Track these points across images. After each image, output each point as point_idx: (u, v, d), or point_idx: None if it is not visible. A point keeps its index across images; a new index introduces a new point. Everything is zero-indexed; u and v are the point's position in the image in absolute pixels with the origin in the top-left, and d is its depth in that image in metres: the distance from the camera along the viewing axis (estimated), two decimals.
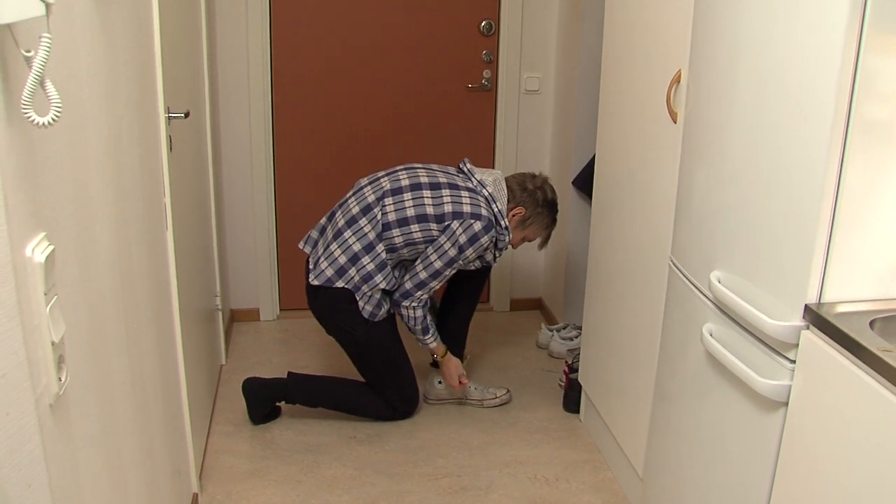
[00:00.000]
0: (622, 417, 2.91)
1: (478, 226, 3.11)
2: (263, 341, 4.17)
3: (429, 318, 3.29)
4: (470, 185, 3.21)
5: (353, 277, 3.13)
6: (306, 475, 3.03)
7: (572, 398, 3.49)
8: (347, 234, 3.15)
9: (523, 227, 3.37)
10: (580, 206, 3.97)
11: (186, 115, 2.64)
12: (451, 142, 4.31)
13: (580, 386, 3.40)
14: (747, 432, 1.89)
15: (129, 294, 1.90)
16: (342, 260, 3.14)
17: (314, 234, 3.35)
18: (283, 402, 3.40)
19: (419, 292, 3.18)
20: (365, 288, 3.15)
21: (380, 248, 3.12)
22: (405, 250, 3.16)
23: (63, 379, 1.31)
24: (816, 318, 1.64)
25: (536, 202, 3.34)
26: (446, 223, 3.11)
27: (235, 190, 4.20)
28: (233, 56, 4.03)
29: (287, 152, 4.22)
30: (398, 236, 3.11)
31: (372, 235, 3.12)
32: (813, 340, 1.65)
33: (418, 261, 3.17)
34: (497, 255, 3.35)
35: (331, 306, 3.23)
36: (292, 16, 4.05)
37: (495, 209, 3.19)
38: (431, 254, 3.13)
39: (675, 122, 2.37)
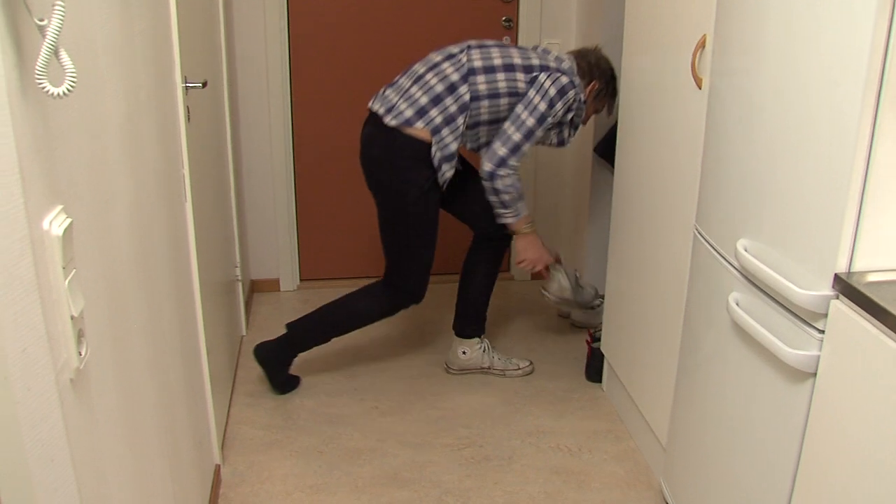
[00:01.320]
0: (645, 387, 2.89)
1: (565, 79, 3.01)
2: (284, 312, 4.17)
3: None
4: (549, 59, 3.10)
5: (433, 119, 2.97)
6: (327, 446, 3.03)
7: (594, 367, 3.47)
8: (429, 76, 3.02)
9: (596, 101, 3.30)
10: (602, 173, 3.93)
11: (204, 84, 2.62)
12: None
13: (602, 355, 3.38)
14: (774, 403, 1.86)
15: (148, 266, 1.88)
16: (423, 101, 2.98)
17: (387, 90, 3.15)
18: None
19: (513, 157, 3.03)
20: (445, 132, 2.99)
21: (463, 89, 2.99)
22: (486, 103, 3.01)
23: (83, 353, 1.30)
24: (846, 288, 1.60)
25: (606, 74, 3.27)
26: (534, 74, 3.00)
27: (254, 160, 4.18)
28: (250, 23, 4.00)
29: (305, 121, 4.19)
30: (482, 84, 2.99)
31: (455, 77, 2.99)
32: (842, 310, 1.62)
33: (507, 123, 3.02)
34: (572, 132, 3.23)
35: (397, 153, 3.04)
36: None
37: (577, 81, 3.09)
38: (521, 112, 3.00)
39: (700, 88, 2.33)
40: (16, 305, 1.07)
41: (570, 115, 3.12)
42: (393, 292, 3.26)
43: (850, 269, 1.63)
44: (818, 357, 1.70)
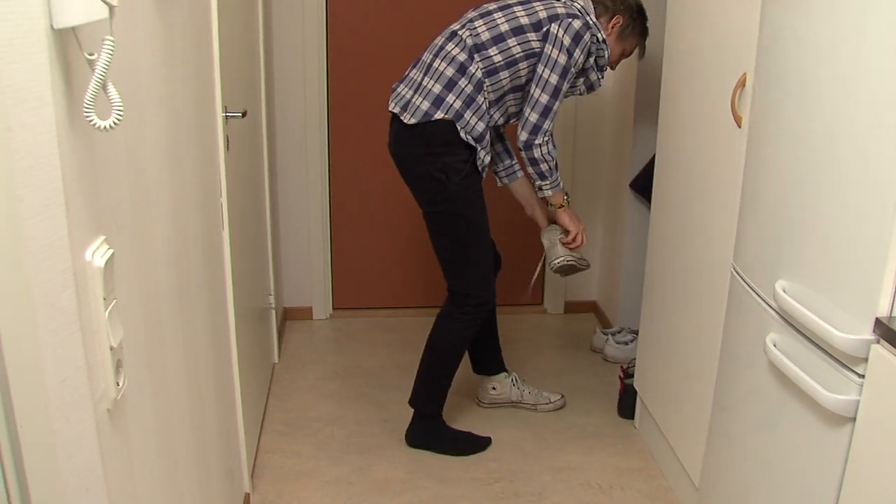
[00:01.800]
0: (679, 425, 2.86)
1: (577, 23, 2.83)
2: (316, 340, 4.18)
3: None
4: (556, 4, 2.92)
5: (452, 104, 2.84)
6: (357, 476, 3.02)
7: (627, 404, 3.44)
8: (437, 63, 2.90)
9: (622, 39, 3.08)
10: (638, 208, 3.92)
11: (243, 114, 2.64)
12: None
13: (635, 391, 3.36)
14: (812, 448, 1.83)
15: (185, 296, 1.89)
16: (437, 89, 2.86)
17: (398, 86, 3.03)
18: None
19: (546, 121, 2.87)
20: (468, 114, 2.86)
21: (472, 67, 2.85)
22: (505, 73, 2.87)
23: (121, 384, 1.30)
24: (887, 332, 1.58)
25: (631, 8, 3.07)
26: (545, 29, 2.84)
27: (290, 189, 4.21)
28: (289, 56, 4.03)
29: (342, 152, 4.22)
30: (496, 55, 2.85)
31: (462, 56, 2.86)
32: (883, 355, 1.59)
33: (532, 86, 2.87)
34: (600, 76, 3.05)
35: (428, 143, 2.90)
36: (348, 15, 4.04)
37: (591, 21, 2.91)
38: (542, 70, 2.84)
39: (740, 127, 2.32)
40: (57, 336, 1.08)
41: (591, 59, 2.96)
42: (461, 306, 3.10)
43: (891, 313, 1.61)
44: (857, 402, 1.67)
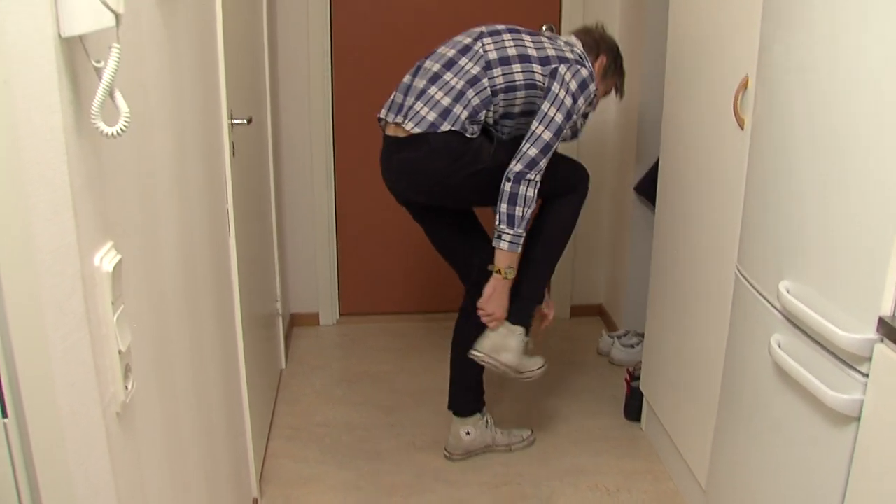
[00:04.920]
0: (685, 427, 2.87)
1: (584, 72, 2.78)
2: (323, 346, 4.19)
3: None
4: (561, 43, 2.89)
5: (459, 116, 2.73)
6: (365, 481, 3.03)
7: (633, 406, 3.45)
8: (447, 75, 2.79)
9: (604, 79, 3.02)
10: (642, 211, 3.93)
11: (249, 121, 2.66)
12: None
13: (642, 394, 3.36)
14: (817, 447, 1.84)
15: (192, 301, 1.91)
16: (446, 101, 2.74)
17: (398, 96, 2.90)
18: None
19: (542, 160, 2.71)
20: (474, 127, 2.77)
21: (485, 81, 2.76)
22: (502, 97, 2.78)
23: (129, 388, 1.32)
24: (890, 331, 1.59)
25: (613, 48, 3.03)
26: (553, 66, 2.77)
27: (295, 195, 4.22)
28: (294, 62, 4.05)
29: (347, 157, 4.23)
30: (499, 76, 2.77)
31: (476, 70, 2.77)
32: (887, 354, 1.60)
33: (535, 122, 2.73)
34: (584, 122, 2.98)
35: (441, 152, 2.77)
36: (352, 23, 4.06)
37: (592, 71, 2.85)
38: (548, 108, 2.73)
39: (742, 129, 2.33)
40: (66, 340, 1.09)
41: (587, 108, 2.91)
42: (579, 188, 3.00)
43: (894, 312, 1.62)
44: (862, 401, 1.68)
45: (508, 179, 2.71)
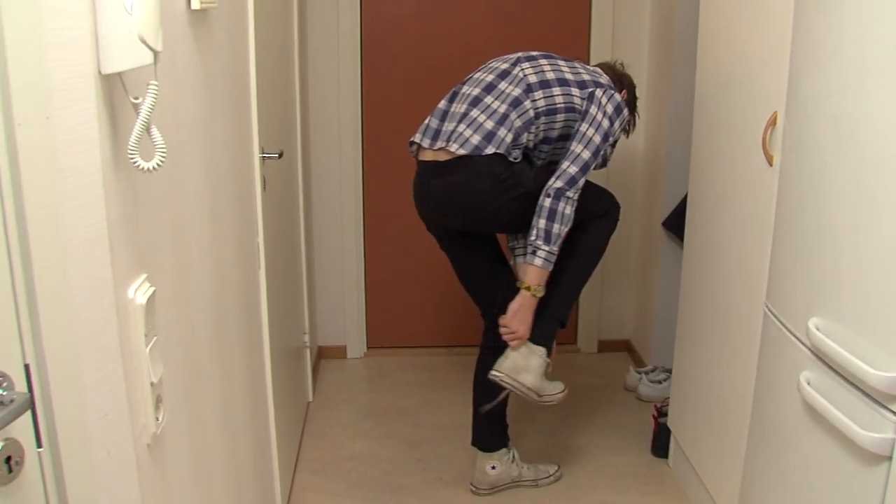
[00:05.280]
0: (713, 464, 2.84)
1: (618, 97, 2.86)
2: (350, 379, 4.19)
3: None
4: (596, 75, 2.94)
5: (503, 139, 2.73)
6: None
7: (661, 443, 3.43)
8: (488, 99, 2.80)
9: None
10: (671, 247, 3.92)
11: (280, 155, 2.69)
12: None
13: (669, 430, 3.34)
14: (848, 487, 1.82)
15: (222, 333, 1.92)
16: (489, 125, 2.75)
17: (433, 122, 2.90)
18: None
19: (581, 178, 2.75)
20: (516, 152, 2.78)
21: (527, 104, 2.78)
22: (543, 120, 2.80)
23: (160, 419, 1.33)
24: None
25: (632, 84, 3.14)
26: (590, 90, 2.82)
27: (325, 228, 4.25)
28: (324, 97, 4.09)
29: (376, 192, 4.26)
30: (540, 99, 2.79)
31: (517, 92, 2.79)
32: None
33: (573, 142, 2.78)
34: (612, 151, 3.04)
35: (485, 175, 2.75)
36: (383, 58, 4.10)
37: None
38: (587, 129, 2.78)
39: (771, 165, 2.33)
40: (99, 372, 1.11)
41: (619, 133, 2.95)
42: (606, 213, 3.02)
43: None
44: (894, 440, 1.66)
45: (549, 196, 2.73)
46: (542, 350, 2.91)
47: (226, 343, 1.96)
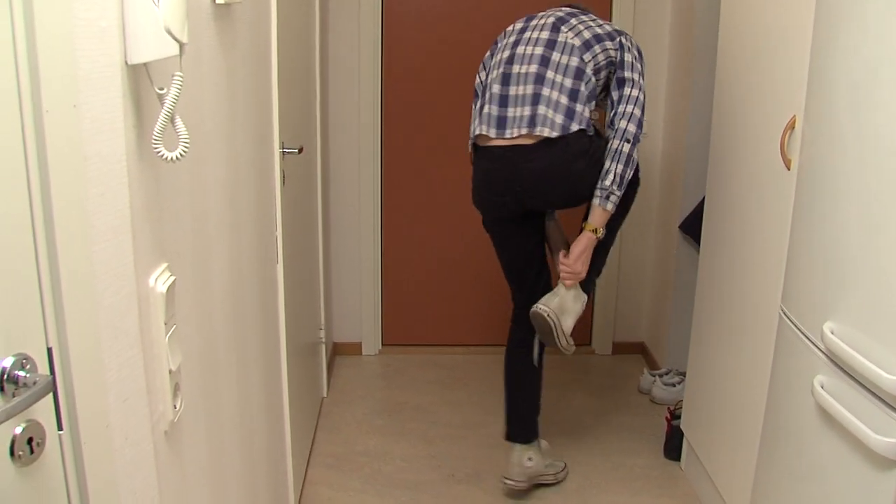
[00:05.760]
0: (725, 467, 2.84)
1: (635, 42, 2.90)
2: (365, 375, 4.21)
3: None
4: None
5: (581, 114, 2.75)
6: None
7: (674, 445, 3.43)
8: (549, 73, 2.78)
9: None
10: (687, 250, 3.92)
11: (300, 150, 2.70)
12: None
13: (682, 433, 3.34)
14: (860, 490, 1.82)
15: (239, 325, 1.94)
16: (565, 101, 2.75)
17: (494, 109, 2.83)
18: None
19: (643, 118, 2.82)
20: (590, 127, 2.80)
21: (588, 71, 2.79)
22: (594, 80, 2.82)
23: (178, 407, 1.35)
24: None
25: None
26: (618, 39, 2.84)
27: (342, 225, 4.27)
28: (344, 94, 4.11)
29: (393, 189, 4.27)
30: (590, 62, 2.80)
31: (575, 62, 2.78)
32: None
33: (626, 88, 2.81)
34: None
35: (578, 153, 2.77)
36: (403, 55, 4.12)
37: None
38: (630, 73, 2.81)
39: (789, 169, 2.33)
40: (120, 357, 1.13)
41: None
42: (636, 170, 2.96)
43: None
44: None
45: (628, 141, 2.77)
46: (585, 297, 2.95)
47: (243, 335, 1.98)
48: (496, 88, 2.85)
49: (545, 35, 2.85)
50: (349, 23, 4.05)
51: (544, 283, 3.07)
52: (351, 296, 4.38)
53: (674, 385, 3.92)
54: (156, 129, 1.12)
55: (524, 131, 2.76)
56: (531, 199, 2.89)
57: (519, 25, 2.95)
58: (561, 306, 2.88)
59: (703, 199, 3.22)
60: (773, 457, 2.32)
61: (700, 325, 3.17)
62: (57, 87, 0.94)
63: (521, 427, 3.16)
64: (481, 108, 2.88)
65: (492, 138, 2.83)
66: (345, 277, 4.35)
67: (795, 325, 2.17)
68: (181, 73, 1.13)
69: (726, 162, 2.90)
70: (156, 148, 1.13)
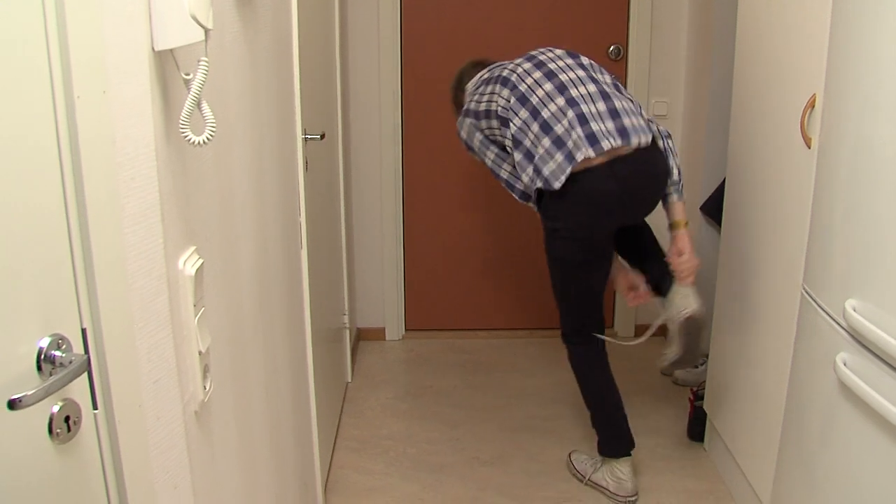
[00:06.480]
0: (748, 447, 2.85)
1: None
2: (388, 361, 4.24)
3: None
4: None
5: (650, 120, 2.84)
6: (428, 493, 3.06)
7: (697, 426, 3.44)
8: (606, 88, 2.81)
9: None
10: (708, 231, 3.92)
11: (322, 136, 2.72)
12: None
13: (705, 414, 3.35)
14: (884, 468, 1.83)
15: (266, 309, 1.96)
16: (636, 108, 2.82)
17: (580, 130, 2.67)
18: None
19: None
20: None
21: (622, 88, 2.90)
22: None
23: (207, 388, 1.37)
24: None
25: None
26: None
27: (365, 211, 4.29)
28: (365, 81, 4.13)
29: (416, 176, 4.29)
30: (603, 81, 2.85)
31: (609, 77, 2.89)
32: None
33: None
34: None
35: (660, 156, 2.83)
36: (423, 41, 4.13)
37: None
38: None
39: (810, 148, 2.33)
40: (151, 339, 1.15)
41: None
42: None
43: None
44: None
45: (670, 136, 2.87)
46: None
47: (269, 319, 2.00)
48: (570, 114, 2.70)
49: (570, 61, 2.86)
50: (369, 10, 4.07)
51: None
52: (374, 282, 4.41)
53: (696, 367, 3.92)
54: (183, 113, 1.14)
55: (620, 143, 2.67)
56: (641, 208, 2.89)
57: (527, 65, 2.87)
58: (696, 297, 2.85)
59: (724, 180, 3.22)
60: (796, 436, 2.33)
61: (722, 306, 3.18)
62: (87, 74, 0.96)
63: (629, 435, 3.12)
64: (559, 140, 2.71)
65: (605, 150, 2.66)
66: (368, 264, 4.37)
67: (818, 304, 2.17)
68: (207, 59, 1.15)
69: (746, 142, 2.90)
70: (183, 132, 1.15)
